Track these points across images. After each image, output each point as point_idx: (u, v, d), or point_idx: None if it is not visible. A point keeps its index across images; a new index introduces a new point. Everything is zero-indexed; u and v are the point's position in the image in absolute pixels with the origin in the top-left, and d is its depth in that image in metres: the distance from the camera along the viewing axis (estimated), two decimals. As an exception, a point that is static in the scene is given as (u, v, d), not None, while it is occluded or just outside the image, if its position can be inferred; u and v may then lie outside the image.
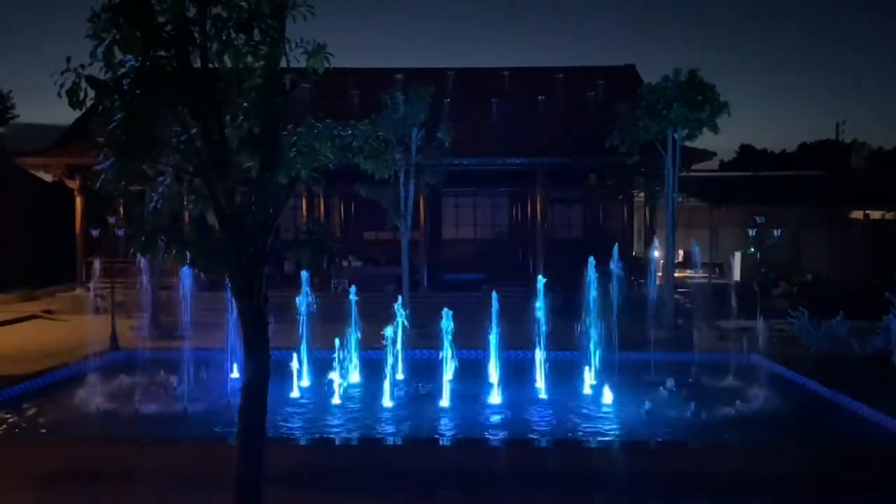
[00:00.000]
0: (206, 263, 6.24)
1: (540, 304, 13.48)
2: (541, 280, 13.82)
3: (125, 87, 5.54)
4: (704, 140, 21.19)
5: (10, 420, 11.64)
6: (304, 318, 14.32)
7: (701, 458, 9.93)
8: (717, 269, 28.23)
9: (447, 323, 12.66)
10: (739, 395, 12.62)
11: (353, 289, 14.71)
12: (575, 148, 23.87)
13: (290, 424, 11.61)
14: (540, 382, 13.51)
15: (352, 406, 12.73)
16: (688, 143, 20.73)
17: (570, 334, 14.66)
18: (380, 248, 27.18)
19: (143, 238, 6.16)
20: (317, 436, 11.16)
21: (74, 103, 5.42)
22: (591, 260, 13.90)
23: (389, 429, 11.49)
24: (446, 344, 12.74)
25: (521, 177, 25.90)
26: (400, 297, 15.24)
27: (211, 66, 5.91)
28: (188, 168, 6.13)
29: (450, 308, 13.00)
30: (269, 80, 6.11)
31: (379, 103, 19.91)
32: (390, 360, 13.02)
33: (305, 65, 6.33)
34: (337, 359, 13.47)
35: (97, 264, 20.05)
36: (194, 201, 6.34)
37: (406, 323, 13.79)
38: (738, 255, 28.52)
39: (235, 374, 13.44)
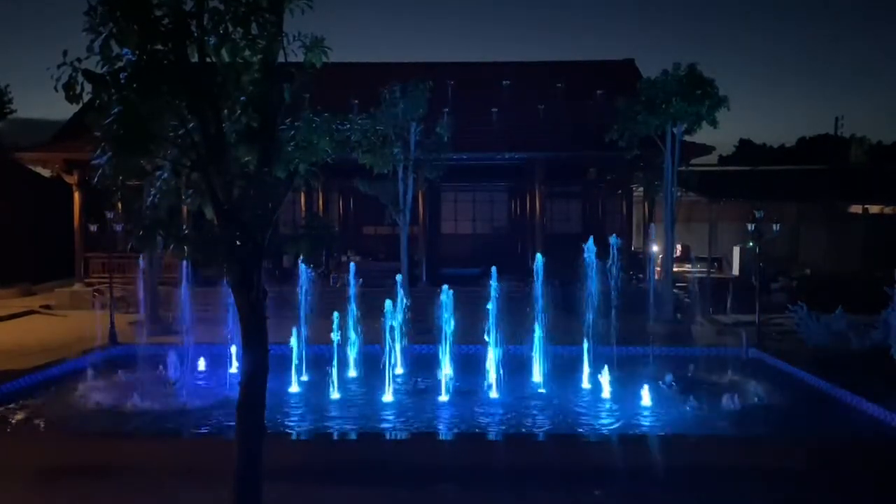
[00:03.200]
0: (204, 258, 6.22)
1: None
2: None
3: (122, 81, 5.51)
4: (703, 134, 21.22)
5: (9, 415, 11.63)
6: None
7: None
8: (716, 264, 28.25)
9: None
10: (738, 390, 12.62)
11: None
12: (574, 142, 23.86)
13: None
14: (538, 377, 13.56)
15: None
16: (687, 138, 20.71)
17: (570, 329, 14.65)
18: (379, 242, 27.21)
19: (141, 233, 6.14)
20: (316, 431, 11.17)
21: (71, 98, 5.40)
22: (589, 251, 13.84)
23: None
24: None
25: (520, 171, 25.88)
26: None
27: (208, 59, 5.89)
28: (186, 162, 6.11)
29: (448, 303, 13.00)
30: (267, 74, 6.09)
31: (378, 97, 19.87)
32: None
33: (303, 59, 6.32)
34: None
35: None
36: (192, 196, 6.31)
37: None
38: (736, 250, 28.55)
39: (234, 369, 13.44)
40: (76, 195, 24.49)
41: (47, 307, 23.56)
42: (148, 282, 19.52)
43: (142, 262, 18.65)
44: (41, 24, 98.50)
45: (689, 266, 27.65)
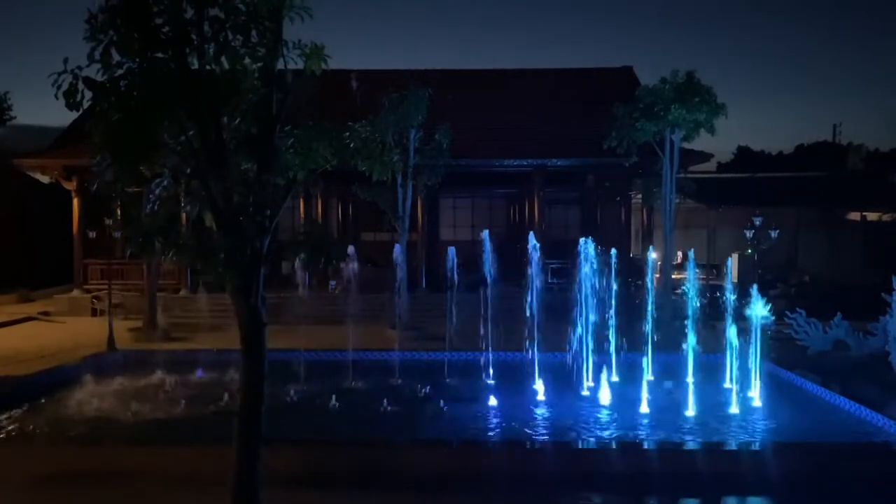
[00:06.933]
0: (203, 265, 6.22)
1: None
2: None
3: (122, 89, 5.53)
4: (702, 141, 21.24)
5: (6, 421, 11.61)
6: None
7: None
8: (714, 271, 28.28)
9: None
10: (736, 396, 12.61)
11: None
12: (573, 149, 23.90)
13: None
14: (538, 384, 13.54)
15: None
16: (685, 145, 20.75)
17: (568, 335, 14.63)
18: (378, 249, 27.19)
19: (140, 240, 6.14)
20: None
21: (72, 105, 5.41)
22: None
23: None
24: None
25: (519, 178, 25.91)
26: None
27: (208, 67, 5.90)
28: (185, 169, 6.12)
29: (448, 309, 13.02)
30: (266, 81, 6.10)
31: (377, 104, 19.91)
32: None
33: (303, 66, 6.33)
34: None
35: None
36: (192, 202, 6.32)
37: None
38: (735, 257, 28.58)
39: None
40: (75, 201, 24.50)
41: (46, 314, 23.53)
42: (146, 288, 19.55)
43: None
44: (42, 32, 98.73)
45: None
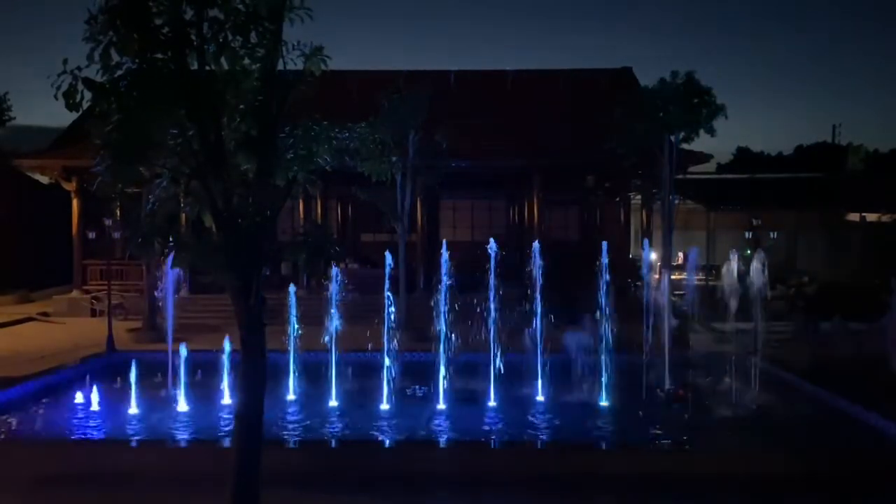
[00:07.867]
0: (203, 265, 6.22)
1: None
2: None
3: (122, 90, 5.54)
4: (701, 142, 21.23)
5: (5, 422, 11.60)
6: None
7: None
8: (713, 272, 28.28)
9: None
10: (736, 398, 12.63)
11: None
12: (572, 150, 23.91)
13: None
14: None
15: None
16: (685, 146, 20.73)
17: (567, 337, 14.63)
18: (377, 249, 27.18)
19: (139, 240, 6.15)
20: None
21: (71, 105, 5.41)
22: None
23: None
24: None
25: (519, 179, 25.91)
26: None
27: (208, 68, 5.91)
28: (185, 170, 6.12)
29: (447, 310, 13.05)
30: (266, 82, 6.11)
31: (377, 105, 19.90)
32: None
33: (303, 67, 6.34)
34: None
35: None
36: (191, 203, 6.32)
37: None
38: (734, 258, 28.56)
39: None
40: (75, 202, 24.51)
41: (45, 314, 23.54)
42: (145, 288, 19.54)
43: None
44: (42, 32, 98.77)
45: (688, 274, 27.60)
